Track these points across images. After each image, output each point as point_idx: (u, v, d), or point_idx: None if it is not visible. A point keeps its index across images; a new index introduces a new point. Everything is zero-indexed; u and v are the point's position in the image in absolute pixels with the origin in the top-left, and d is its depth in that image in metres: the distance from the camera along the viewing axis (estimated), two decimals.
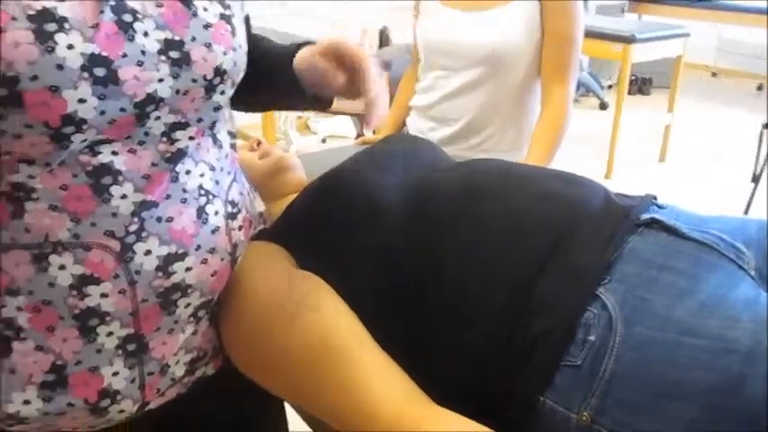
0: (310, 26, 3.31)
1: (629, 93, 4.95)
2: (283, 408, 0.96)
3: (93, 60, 0.60)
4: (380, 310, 0.72)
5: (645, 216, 0.73)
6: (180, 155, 0.70)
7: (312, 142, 4.35)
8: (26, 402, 0.69)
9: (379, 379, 0.67)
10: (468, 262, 0.71)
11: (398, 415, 0.65)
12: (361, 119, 3.20)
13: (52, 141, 0.61)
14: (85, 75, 0.60)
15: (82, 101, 0.60)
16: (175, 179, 0.70)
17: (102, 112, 0.62)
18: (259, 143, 1.09)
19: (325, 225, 0.81)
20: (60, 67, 0.59)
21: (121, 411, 0.73)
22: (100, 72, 0.61)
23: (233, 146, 0.82)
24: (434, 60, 1.58)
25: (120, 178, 0.66)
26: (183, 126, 0.69)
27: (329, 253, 0.78)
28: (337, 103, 0.92)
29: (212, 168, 0.75)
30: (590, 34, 2.36)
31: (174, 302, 0.71)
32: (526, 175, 0.82)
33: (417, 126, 1.68)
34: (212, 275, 0.74)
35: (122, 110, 0.63)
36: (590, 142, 4.07)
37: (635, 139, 4.19)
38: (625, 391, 0.61)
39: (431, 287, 0.71)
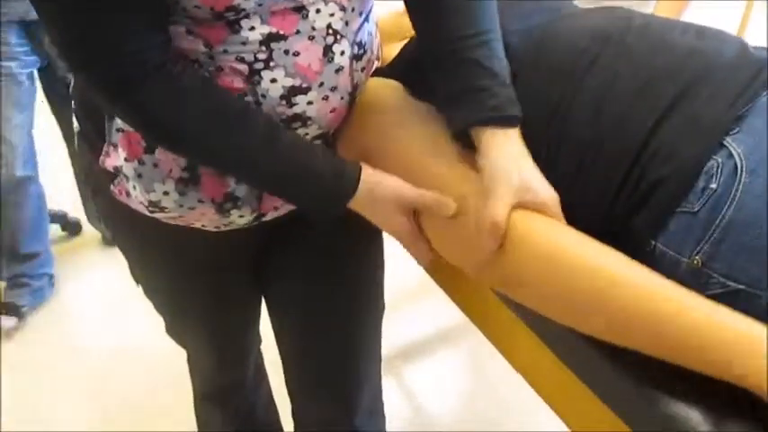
0: None
1: None
2: (381, 236, 1.02)
3: None
4: None
5: None
6: None
7: None
8: (165, 193, 0.79)
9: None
10: (599, 107, 0.71)
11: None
12: None
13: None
14: None
15: None
16: (305, 16, 0.72)
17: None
18: None
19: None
20: None
21: (241, 216, 0.82)
22: None
23: None
24: None
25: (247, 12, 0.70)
26: None
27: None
28: None
29: (343, 8, 0.76)
30: None
31: (294, 130, 0.77)
32: (658, 25, 0.78)
33: None
34: (331, 112, 0.79)
35: None
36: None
37: None
38: (742, 237, 0.61)
39: (555, 127, 0.73)
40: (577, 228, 0.69)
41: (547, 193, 0.70)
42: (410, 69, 0.85)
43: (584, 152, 0.71)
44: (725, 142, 0.65)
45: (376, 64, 0.91)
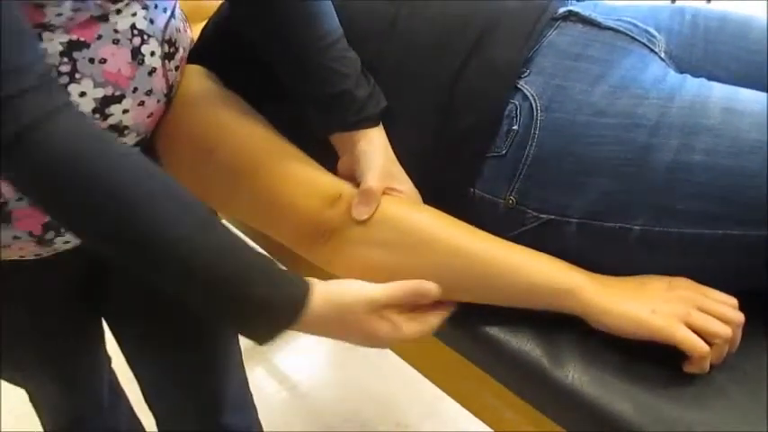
0: None
1: None
2: None
3: None
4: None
5: (562, 9, 0.75)
6: None
7: None
8: None
9: (299, 184, 0.71)
10: (402, 70, 0.73)
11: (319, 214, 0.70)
12: None
13: None
14: None
15: None
16: (105, 19, 0.67)
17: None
18: None
19: (242, 40, 0.79)
20: None
21: (66, 242, 0.76)
22: None
23: None
24: None
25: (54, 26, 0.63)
26: None
27: (248, 68, 0.77)
28: None
29: (145, 7, 0.71)
30: None
31: None
32: None
33: None
34: (148, 117, 0.74)
35: None
36: None
37: None
38: (546, 172, 0.66)
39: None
40: None
41: (409, 184, 0.72)
42: (216, 56, 0.82)
43: (394, 114, 0.73)
44: (519, 85, 0.69)
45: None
